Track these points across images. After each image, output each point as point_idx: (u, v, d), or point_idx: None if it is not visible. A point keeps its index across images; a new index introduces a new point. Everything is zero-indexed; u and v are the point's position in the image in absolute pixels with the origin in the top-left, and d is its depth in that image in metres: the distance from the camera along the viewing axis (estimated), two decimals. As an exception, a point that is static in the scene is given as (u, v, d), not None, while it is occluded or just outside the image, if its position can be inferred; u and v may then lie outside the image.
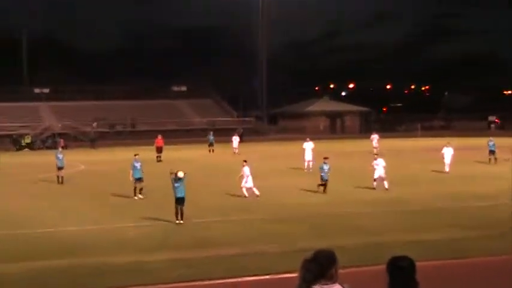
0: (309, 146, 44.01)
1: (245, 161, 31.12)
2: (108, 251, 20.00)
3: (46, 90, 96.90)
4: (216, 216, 25.75)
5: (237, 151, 59.71)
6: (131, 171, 31.58)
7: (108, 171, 43.97)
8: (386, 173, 32.80)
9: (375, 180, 32.77)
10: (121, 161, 33.03)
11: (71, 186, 36.53)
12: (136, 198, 30.79)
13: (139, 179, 31.32)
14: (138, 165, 31.69)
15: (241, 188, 30.49)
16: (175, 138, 79.04)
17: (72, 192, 34.06)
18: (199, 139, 73.54)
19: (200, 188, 32.50)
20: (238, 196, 30.64)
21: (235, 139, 61.36)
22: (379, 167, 32.92)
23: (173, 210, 24.36)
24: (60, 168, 38.04)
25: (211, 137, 63.23)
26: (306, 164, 43.22)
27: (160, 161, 52.82)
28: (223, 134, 72.11)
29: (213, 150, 61.40)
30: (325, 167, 31.93)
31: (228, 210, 27.29)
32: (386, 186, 32.10)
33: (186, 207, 24.49)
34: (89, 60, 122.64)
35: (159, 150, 54.02)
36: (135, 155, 32.60)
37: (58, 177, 37.94)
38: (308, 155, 43.37)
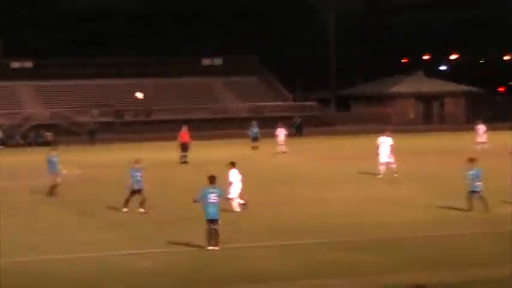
0: (387, 142, 43.63)
1: (233, 163, 31.18)
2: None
3: (28, 65, 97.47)
4: (262, 240, 25.68)
5: (283, 148, 59.56)
6: (130, 181, 32.55)
7: (113, 177, 44.24)
8: None
9: None
10: (130, 163, 33.43)
11: (63, 198, 36.83)
12: (125, 210, 31.82)
13: (138, 191, 32.35)
14: (138, 174, 32.65)
15: (229, 200, 30.21)
16: (206, 131, 79.36)
17: (65, 206, 34.39)
18: (239, 132, 73.61)
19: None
20: (291, 211, 30.60)
21: (281, 132, 61.13)
22: None
23: (203, 232, 24.36)
24: (53, 175, 37.94)
25: (254, 130, 63.23)
26: (381, 167, 42.90)
27: (185, 162, 52.99)
28: (274, 126, 72.05)
29: (256, 148, 61.33)
30: (471, 174, 30.52)
31: (279, 231, 27.18)
32: None
33: (221, 228, 24.46)
34: (85, 24, 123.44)
35: (185, 147, 54.13)
36: (135, 161, 33.38)
37: (55, 186, 37.71)
38: (384, 156, 42.99)
